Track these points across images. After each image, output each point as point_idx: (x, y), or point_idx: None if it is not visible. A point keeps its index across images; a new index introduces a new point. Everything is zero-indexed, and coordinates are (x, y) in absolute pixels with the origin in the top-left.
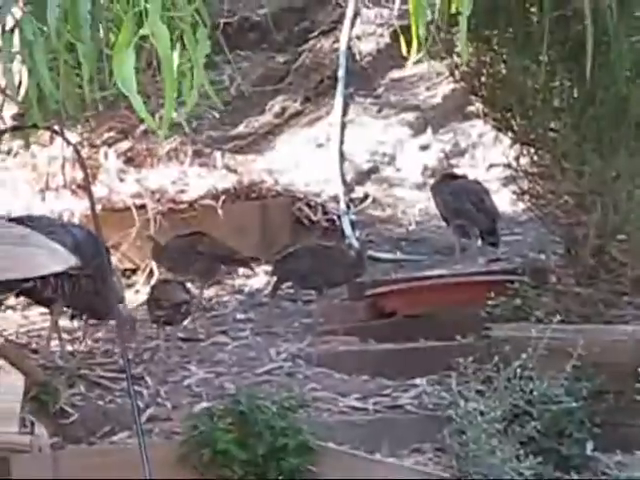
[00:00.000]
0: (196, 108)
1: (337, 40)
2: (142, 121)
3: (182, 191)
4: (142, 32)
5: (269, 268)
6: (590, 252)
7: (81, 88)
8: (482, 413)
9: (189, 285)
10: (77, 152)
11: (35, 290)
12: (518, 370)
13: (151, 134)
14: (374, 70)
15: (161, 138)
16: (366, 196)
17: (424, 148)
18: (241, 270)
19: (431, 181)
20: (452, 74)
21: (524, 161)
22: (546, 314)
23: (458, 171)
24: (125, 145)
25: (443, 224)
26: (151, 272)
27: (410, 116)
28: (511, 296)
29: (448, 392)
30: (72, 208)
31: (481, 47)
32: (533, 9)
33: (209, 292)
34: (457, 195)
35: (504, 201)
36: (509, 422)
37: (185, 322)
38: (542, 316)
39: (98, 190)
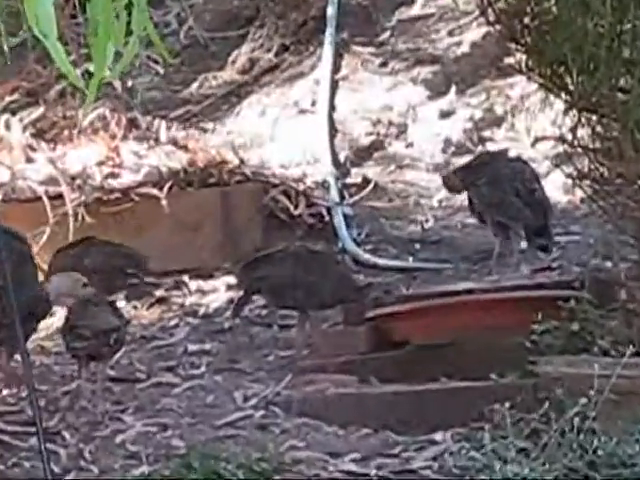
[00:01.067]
0: (133, 61)
1: None
2: (58, 79)
3: (113, 175)
4: None
5: (232, 280)
6: None
7: None
8: None
9: (122, 304)
10: None
11: None
12: (576, 420)
13: (70, 97)
14: (376, 7)
15: (88, 102)
16: (366, 181)
17: (445, 115)
18: (194, 283)
19: (455, 160)
20: (483, 13)
21: (583, 133)
22: (614, 343)
23: (493, 147)
24: (34, 112)
25: (471, 219)
26: None
27: (426, 71)
28: (566, 319)
29: (479, 451)
30: None
31: None
32: None
33: (150, 314)
34: (495, 181)
35: (556, 188)
36: None
37: (116, 356)
38: (608, 346)
39: None
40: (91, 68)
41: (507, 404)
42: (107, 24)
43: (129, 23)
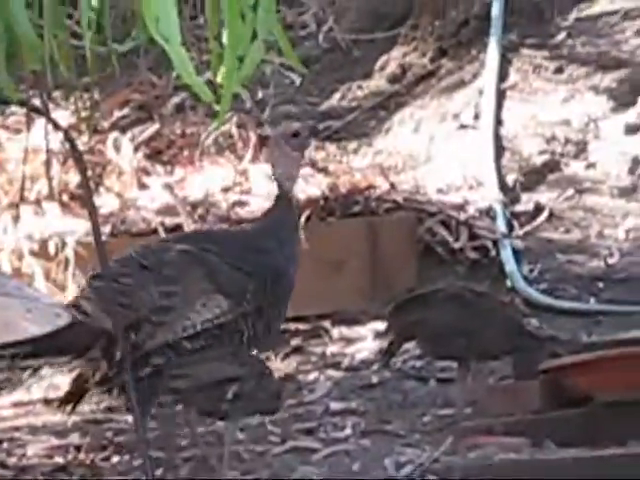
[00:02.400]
0: (261, 68)
1: None
2: (176, 91)
3: (241, 203)
4: None
5: (381, 326)
6: None
7: (77, 36)
8: None
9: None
10: (70, 141)
11: None
12: None
13: (190, 111)
14: (551, 4)
15: (220, 119)
16: (539, 209)
17: (633, 130)
18: (337, 330)
19: None
20: None
21: None
22: None
23: None
24: (148, 130)
25: None
26: None
27: (609, 78)
28: None
29: None
30: (63, 231)
31: None
32: None
33: (285, 366)
34: None
35: None
36: None
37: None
38: None
39: (105, 202)
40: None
41: None
42: (234, 25)
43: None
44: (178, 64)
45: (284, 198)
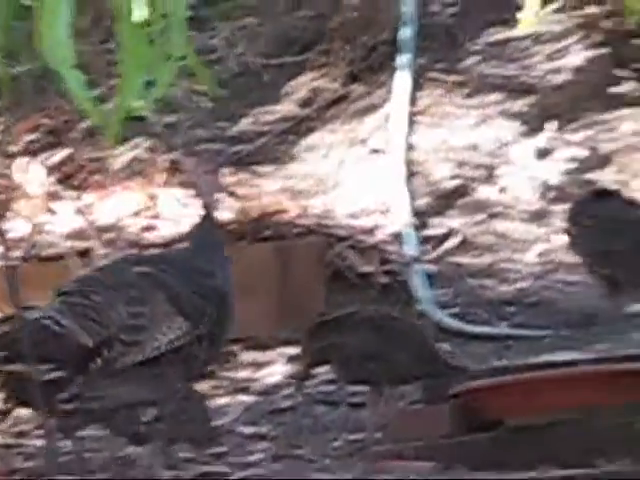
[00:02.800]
0: (172, 92)
1: None
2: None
3: (151, 228)
4: None
5: (292, 351)
6: None
7: None
8: None
9: None
10: None
11: None
12: None
13: (100, 136)
14: (461, 28)
15: (111, 142)
16: (450, 233)
17: (543, 155)
18: (248, 355)
19: (554, 208)
20: (587, 33)
21: None
22: None
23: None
24: (58, 154)
25: (575, 277)
26: None
27: (520, 103)
28: None
29: None
30: None
31: None
32: None
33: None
34: (606, 225)
35: None
36: None
37: None
38: None
39: (15, 228)
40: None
41: None
42: (136, 50)
43: (166, 48)
44: (72, 88)
45: (210, 220)
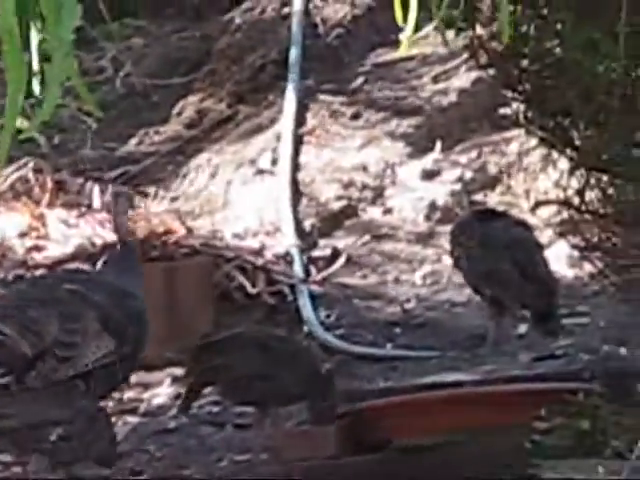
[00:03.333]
0: (58, 112)
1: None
2: None
3: (37, 248)
4: None
5: (178, 372)
6: None
7: None
8: None
9: None
10: None
11: None
12: None
13: None
14: (348, 50)
15: None
16: (337, 254)
17: (430, 176)
18: (134, 376)
19: (441, 229)
20: (474, 55)
21: (592, 196)
22: (630, 444)
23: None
24: None
25: (461, 297)
26: None
27: (406, 124)
28: (573, 416)
29: None
30: None
31: (523, 11)
32: None
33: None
34: (489, 246)
35: (560, 261)
36: None
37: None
38: (623, 448)
39: None
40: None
41: None
42: (17, 73)
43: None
44: None
45: (126, 246)
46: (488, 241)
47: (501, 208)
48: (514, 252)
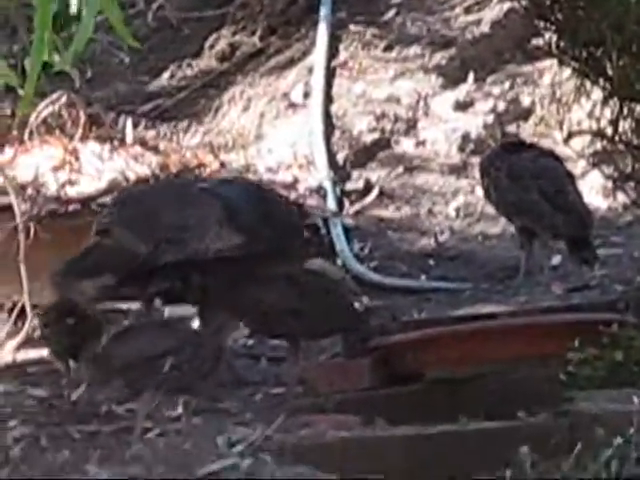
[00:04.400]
0: (91, 46)
1: None
2: None
3: (71, 182)
4: None
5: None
6: None
7: None
8: None
9: None
10: None
11: None
12: (616, 465)
13: (20, 91)
14: None
15: (24, 103)
16: (370, 187)
17: (462, 108)
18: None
19: (474, 160)
20: None
21: (626, 126)
22: None
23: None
24: None
25: (495, 229)
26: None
27: (439, 56)
28: (607, 346)
29: None
30: None
31: None
32: None
33: None
34: (517, 177)
35: (594, 192)
36: None
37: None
38: None
39: None
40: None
41: (537, 447)
42: (44, 5)
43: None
44: None
45: None
46: (516, 172)
47: (534, 139)
48: (542, 182)
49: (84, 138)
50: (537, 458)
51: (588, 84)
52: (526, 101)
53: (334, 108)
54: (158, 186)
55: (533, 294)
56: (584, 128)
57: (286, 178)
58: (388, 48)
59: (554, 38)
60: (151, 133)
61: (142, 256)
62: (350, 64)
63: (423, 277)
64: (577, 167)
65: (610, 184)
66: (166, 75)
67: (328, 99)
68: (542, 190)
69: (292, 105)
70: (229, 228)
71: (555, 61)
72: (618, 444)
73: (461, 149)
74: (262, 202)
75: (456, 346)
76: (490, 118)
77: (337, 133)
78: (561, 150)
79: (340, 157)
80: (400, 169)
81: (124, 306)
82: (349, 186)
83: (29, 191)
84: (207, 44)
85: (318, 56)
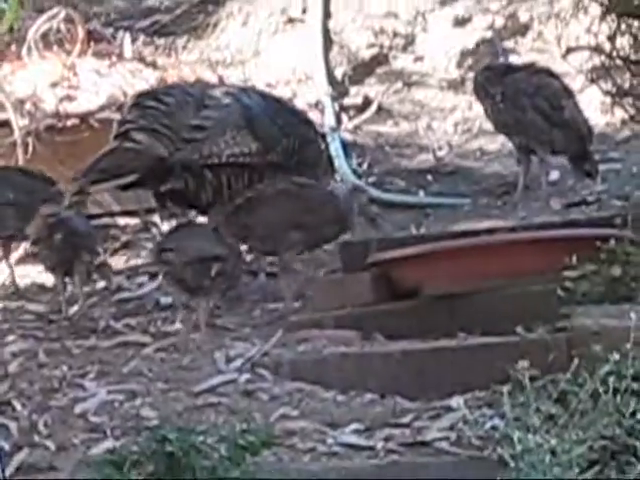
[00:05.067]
0: None
1: None
2: None
3: (69, 98)
4: None
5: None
6: None
7: None
8: (554, 452)
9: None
10: None
11: None
12: (613, 380)
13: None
14: None
15: (9, 18)
16: (368, 102)
17: (461, 23)
18: (167, 224)
19: (472, 76)
20: None
21: (624, 42)
22: None
23: (518, 60)
24: None
25: (493, 145)
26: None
27: None
28: (605, 262)
29: (502, 419)
30: None
31: None
32: None
33: (114, 261)
34: (513, 95)
35: (592, 107)
36: (601, 466)
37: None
38: None
39: None
40: None
41: (535, 363)
42: None
43: None
44: None
45: None
46: (510, 93)
47: (533, 56)
48: (537, 100)
49: (82, 54)
50: (536, 373)
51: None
52: (524, 17)
53: (332, 23)
54: (177, 88)
55: (531, 210)
56: (582, 44)
57: (285, 93)
58: None
59: None
60: (149, 48)
61: (161, 157)
62: None
63: (421, 193)
64: (575, 83)
65: (608, 100)
66: None
67: (326, 14)
68: (537, 108)
69: (290, 20)
70: (246, 134)
71: None
72: (615, 360)
73: (459, 65)
74: (280, 114)
75: (453, 262)
76: (488, 34)
77: (335, 48)
78: (559, 66)
79: (338, 72)
80: (398, 85)
81: (121, 221)
82: (347, 101)
83: (27, 106)
84: None
85: None
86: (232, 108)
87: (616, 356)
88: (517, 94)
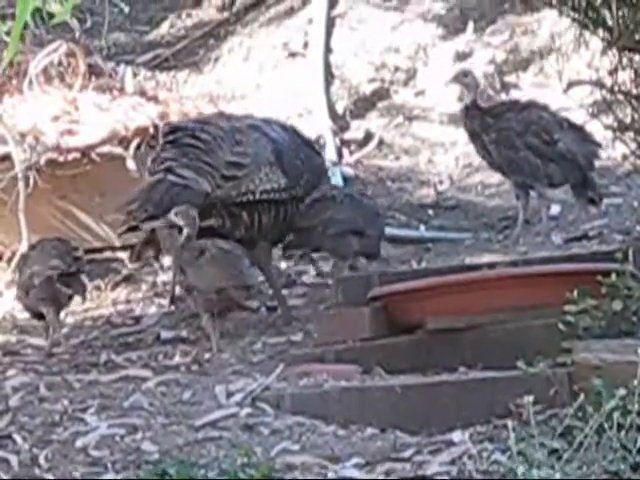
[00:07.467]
0: None
1: None
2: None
3: (70, 132)
4: None
5: None
6: None
7: None
8: None
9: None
10: None
11: None
12: (617, 416)
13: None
14: None
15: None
16: (369, 136)
17: (462, 58)
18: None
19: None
20: None
21: (625, 77)
22: None
23: (518, 94)
24: None
25: (494, 179)
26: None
27: (438, 6)
28: (606, 297)
29: (505, 453)
30: None
31: None
32: None
33: (115, 295)
34: (505, 139)
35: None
36: None
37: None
38: None
39: None
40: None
41: (537, 398)
42: None
43: None
44: None
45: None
46: (501, 135)
47: (534, 90)
48: (528, 137)
49: (83, 88)
50: (538, 408)
51: (587, 34)
52: (525, 52)
53: (333, 58)
54: (210, 124)
55: (533, 244)
56: (583, 78)
57: None
58: None
59: None
60: (150, 83)
61: (207, 193)
62: (350, 14)
63: (422, 227)
64: (577, 117)
65: (609, 134)
66: (166, 25)
67: (327, 49)
68: (529, 145)
69: (292, 55)
70: (277, 170)
71: (554, 11)
72: (621, 395)
73: (460, 99)
74: (301, 147)
75: (455, 296)
76: (489, 68)
77: (336, 83)
78: (560, 100)
79: (339, 107)
80: (399, 119)
81: (122, 255)
82: (348, 136)
83: (28, 140)
84: None
85: (317, 6)
86: (263, 143)
87: (622, 391)
88: (508, 135)
